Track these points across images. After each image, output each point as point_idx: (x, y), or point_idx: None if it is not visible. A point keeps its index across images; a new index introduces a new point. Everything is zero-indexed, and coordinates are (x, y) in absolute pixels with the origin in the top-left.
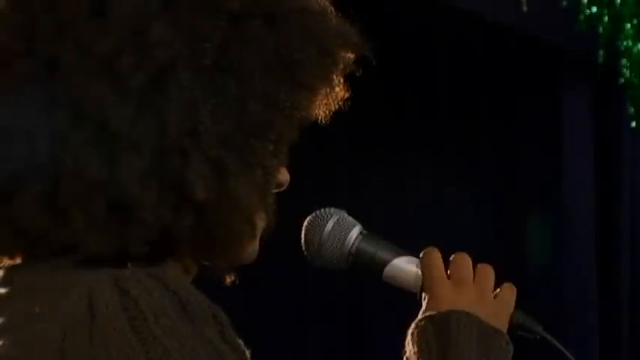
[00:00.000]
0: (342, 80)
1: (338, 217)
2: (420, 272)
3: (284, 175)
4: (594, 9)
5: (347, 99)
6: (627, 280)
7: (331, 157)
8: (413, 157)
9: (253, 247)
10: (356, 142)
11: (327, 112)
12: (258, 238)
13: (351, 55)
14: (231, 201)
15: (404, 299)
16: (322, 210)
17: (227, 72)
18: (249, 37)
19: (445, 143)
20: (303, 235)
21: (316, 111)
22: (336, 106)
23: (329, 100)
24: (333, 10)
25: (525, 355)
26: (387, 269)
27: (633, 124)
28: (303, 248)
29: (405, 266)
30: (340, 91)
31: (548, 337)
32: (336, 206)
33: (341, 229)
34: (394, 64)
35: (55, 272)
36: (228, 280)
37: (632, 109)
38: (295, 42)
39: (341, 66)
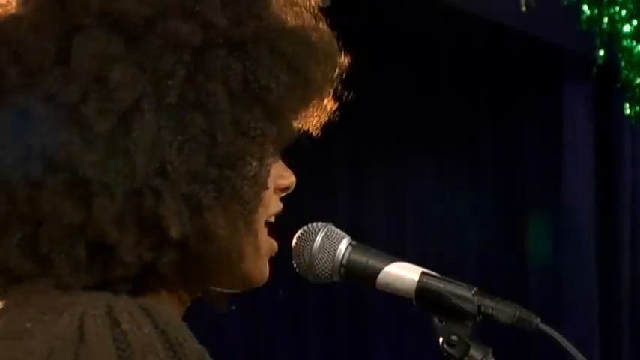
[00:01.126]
0: (329, 92)
1: (326, 230)
2: (413, 277)
3: (287, 180)
4: (594, 10)
5: (342, 106)
6: (627, 280)
7: (331, 157)
8: (413, 158)
9: (260, 269)
10: (356, 142)
11: (317, 124)
12: (262, 259)
13: (335, 68)
14: (209, 234)
15: (403, 302)
16: (309, 225)
17: (193, 107)
18: (214, 69)
19: (445, 143)
20: (293, 253)
21: (303, 125)
22: (326, 118)
23: (317, 112)
24: (315, 22)
25: (525, 347)
26: (381, 277)
27: (632, 123)
28: (295, 265)
29: (398, 272)
30: (328, 103)
31: (547, 329)
32: (336, 205)
33: (330, 242)
34: (395, 65)
35: (50, 290)
36: (223, 308)
37: (631, 109)
38: (263, 67)
39: (319, 82)
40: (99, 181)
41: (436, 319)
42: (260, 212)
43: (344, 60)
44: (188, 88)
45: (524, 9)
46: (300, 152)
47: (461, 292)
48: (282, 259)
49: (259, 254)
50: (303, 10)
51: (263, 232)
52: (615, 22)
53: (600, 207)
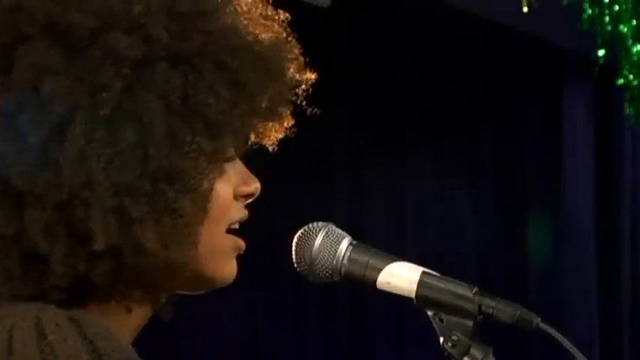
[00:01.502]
0: (283, 109)
1: (326, 230)
2: (414, 276)
3: (249, 187)
4: (596, 9)
5: (341, 106)
6: (627, 280)
7: (331, 157)
8: (413, 158)
9: (222, 270)
10: (356, 141)
11: (275, 139)
12: (222, 261)
13: (288, 86)
14: (140, 247)
15: (403, 302)
16: (310, 225)
17: (128, 120)
18: (153, 82)
19: (445, 143)
20: (293, 253)
21: (261, 140)
22: (285, 133)
23: (275, 127)
24: (281, 38)
25: (525, 347)
26: (381, 276)
27: (632, 123)
28: (295, 265)
29: (399, 271)
30: (285, 120)
31: (548, 328)
32: (336, 205)
33: (331, 242)
34: (395, 65)
35: None
36: (166, 316)
37: (631, 109)
38: (204, 82)
39: (266, 99)
40: (30, 191)
41: (437, 319)
42: (210, 223)
43: (307, 76)
44: (125, 101)
45: (525, 9)
46: (299, 153)
47: (461, 291)
48: (282, 260)
49: (218, 257)
50: (269, 25)
51: (221, 236)
52: (616, 22)
53: (600, 207)
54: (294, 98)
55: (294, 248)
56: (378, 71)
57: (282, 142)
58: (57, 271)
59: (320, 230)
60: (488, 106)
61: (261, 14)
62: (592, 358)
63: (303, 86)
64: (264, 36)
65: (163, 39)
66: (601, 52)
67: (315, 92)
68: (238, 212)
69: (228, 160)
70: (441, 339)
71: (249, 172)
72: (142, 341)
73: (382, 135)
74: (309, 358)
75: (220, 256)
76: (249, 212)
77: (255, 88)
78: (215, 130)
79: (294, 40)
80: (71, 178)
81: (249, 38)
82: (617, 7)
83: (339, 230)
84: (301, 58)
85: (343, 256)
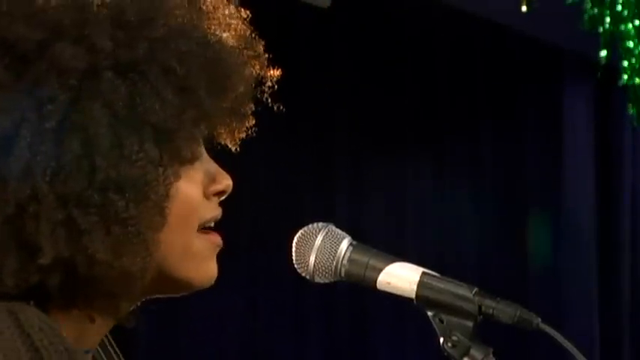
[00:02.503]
0: (241, 109)
1: (326, 230)
2: (414, 277)
3: (220, 184)
4: (596, 10)
5: (342, 106)
6: (627, 281)
7: (331, 157)
8: (413, 158)
9: (200, 272)
10: (355, 141)
11: (237, 139)
12: (199, 262)
13: (243, 86)
14: (91, 257)
15: (403, 302)
16: (310, 226)
17: (72, 132)
18: (98, 92)
19: (445, 144)
20: (293, 253)
21: (223, 140)
22: (246, 134)
23: (236, 127)
24: (244, 36)
25: (526, 348)
26: (381, 277)
27: (635, 124)
28: (295, 266)
29: (399, 272)
30: (247, 119)
31: (548, 329)
32: (336, 204)
33: (331, 243)
34: (394, 65)
35: None
36: (130, 324)
37: (632, 110)
38: (151, 88)
39: (218, 101)
40: None
41: (437, 320)
42: (179, 225)
43: (272, 73)
44: (71, 113)
45: (524, 8)
46: (299, 153)
47: (461, 292)
48: (282, 260)
49: (192, 259)
50: (232, 24)
51: (192, 237)
52: (617, 22)
53: (600, 207)
54: (258, 95)
55: (294, 249)
56: (378, 71)
57: (282, 143)
58: (8, 283)
59: (320, 231)
60: (488, 106)
61: (224, 13)
62: (592, 358)
63: (269, 83)
64: (225, 35)
65: (107, 48)
66: (603, 53)
67: (316, 92)
68: (210, 211)
69: (190, 161)
70: (441, 339)
71: (220, 169)
72: (142, 342)
73: (382, 135)
74: (309, 359)
75: (194, 257)
76: (252, 212)
77: (204, 92)
78: (164, 137)
79: (257, 37)
80: (17, 192)
81: (202, 40)
82: (618, 7)
83: (339, 231)
84: (264, 56)
85: (343, 257)
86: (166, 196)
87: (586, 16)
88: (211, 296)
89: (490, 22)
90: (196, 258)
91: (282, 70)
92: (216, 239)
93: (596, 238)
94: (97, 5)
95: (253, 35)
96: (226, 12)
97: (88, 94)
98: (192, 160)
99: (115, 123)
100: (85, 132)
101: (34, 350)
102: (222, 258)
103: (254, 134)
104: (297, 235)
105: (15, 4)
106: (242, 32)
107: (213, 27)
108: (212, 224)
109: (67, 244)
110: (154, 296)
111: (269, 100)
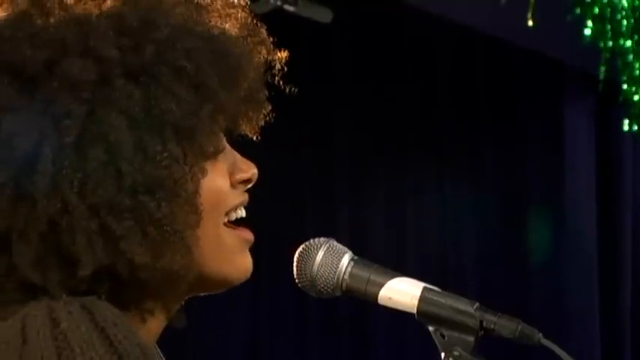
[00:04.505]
0: (257, 95)
1: (328, 245)
2: (415, 292)
3: (246, 173)
4: (598, 25)
5: (344, 116)
6: (629, 294)
7: (332, 167)
8: (414, 172)
9: (234, 267)
10: (358, 153)
11: (255, 128)
12: (232, 257)
13: (254, 73)
14: (131, 262)
15: (404, 316)
16: (311, 241)
17: (95, 141)
18: (113, 100)
19: (446, 157)
20: (294, 268)
21: (243, 130)
22: (265, 120)
23: (253, 116)
24: (247, 27)
25: None
26: (383, 292)
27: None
28: (297, 280)
29: (400, 287)
30: (262, 105)
31: (549, 344)
32: (337, 205)
33: (332, 258)
34: (397, 79)
35: None
36: (181, 323)
37: (634, 124)
38: (164, 89)
39: (233, 93)
40: (11, 228)
41: (438, 335)
42: (209, 219)
43: (279, 55)
44: (89, 124)
45: (530, 23)
46: (301, 162)
47: (462, 306)
48: (283, 272)
49: (225, 253)
50: (232, 13)
51: (223, 232)
52: (618, 37)
53: (602, 222)
54: (269, 79)
55: (295, 264)
56: (379, 84)
57: (285, 153)
58: (55, 295)
59: (321, 246)
60: (489, 120)
61: (223, 3)
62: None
63: (277, 65)
64: (228, 26)
65: (114, 56)
66: (603, 68)
67: (317, 104)
68: (237, 198)
69: (214, 155)
70: (443, 355)
71: (244, 159)
72: None
73: (383, 148)
74: None
75: (227, 252)
76: (254, 216)
77: (217, 86)
78: (185, 135)
79: (259, 23)
80: (47, 208)
81: (207, 35)
82: (618, 23)
83: (340, 246)
84: (269, 40)
85: (344, 272)
86: (196, 192)
87: (587, 31)
88: (213, 309)
89: (491, 37)
90: (228, 253)
91: (284, 82)
92: (247, 235)
93: (597, 253)
94: (97, 16)
95: (254, 21)
96: (224, 2)
97: (102, 103)
98: (215, 153)
99: (134, 127)
100: (106, 140)
101: (109, 344)
102: None
103: (272, 120)
104: (299, 251)
105: (16, 27)
106: (243, 20)
107: (214, 19)
108: (244, 213)
109: (106, 252)
110: (198, 294)
111: (281, 84)
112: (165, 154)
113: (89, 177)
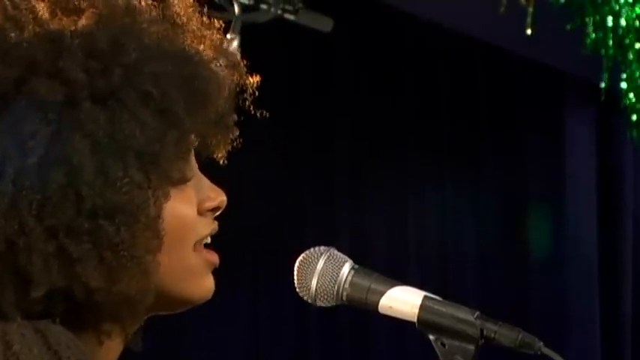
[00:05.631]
0: (224, 121)
1: (328, 254)
2: (416, 300)
3: (214, 201)
4: (600, 33)
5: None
6: (629, 303)
7: (332, 174)
8: (415, 182)
9: (198, 288)
10: (358, 160)
11: (224, 152)
12: (197, 279)
13: (223, 99)
14: (86, 285)
15: (405, 327)
16: (311, 250)
17: (55, 164)
18: (78, 123)
19: (447, 166)
20: (295, 277)
21: (210, 154)
22: (232, 145)
23: (220, 141)
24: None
25: None
26: (383, 300)
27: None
28: (297, 290)
29: (400, 295)
30: (230, 131)
31: (550, 353)
32: (337, 210)
33: (332, 267)
34: (397, 88)
35: None
36: (136, 347)
37: (634, 132)
38: (130, 114)
39: (200, 119)
40: None
41: (439, 344)
42: (176, 245)
43: (252, 80)
44: (53, 146)
45: (529, 32)
46: (301, 169)
47: (463, 315)
48: (283, 275)
49: (190, 277)
50: (207, 34)
51: (189, 255)
52: (620, 46)
53: (602, 230)
54: (240, 103)
55: (295, 273)
56: (379, 93)
57: (285, 159)
58: (9, 315)
59: (321, 255)
60: (490, 129)
61: (198, 24)
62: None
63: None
64: (202, 47)
65: (82, 79)
66: (606, 75)
67: (317, 111)
68: (206, 227)
69: (180, 181)
70: None
71: (213, 186)
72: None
73: (383, 156)
74: None
75: (193, 275)
76: (254, 223)
77: (183, 112)
78: (148, 160)
79: (234, 48)
80: (5, 228)
81: (177, 58)
82: (621, 31)
83: (340, 255)
84: (242, 64)
85: (345, 281)
86: (158, 217)
87: (588, 40)
88: (213, 315)
89: (492, 46)
90: (194, 275)
91: (285, 92)
92: (213, 258)
93: (598, 259)
94: (69, 36)
95: (227, 44)
96: (199, 23)
97: (68, 125)
98: (182, 180)
99: (97, 151)
100: (69, 163)
101: None
102: (223, 275)
103: (239, 146)
104: (299, 260)
105: None
106: (217, 42)
107: (188, 39)
108: (209, 240)
109: (61, 274)
110: (156, 313)
111: (252, 109)
112: (126, 180)
113: (48, 199)
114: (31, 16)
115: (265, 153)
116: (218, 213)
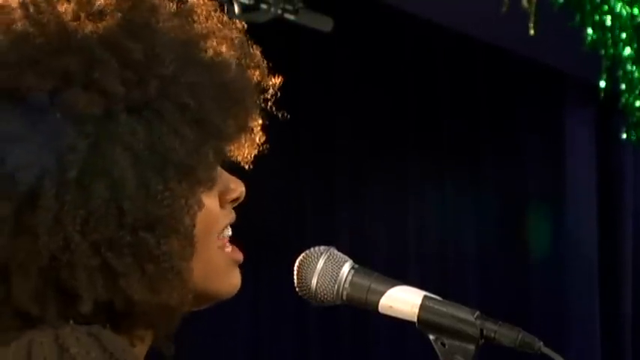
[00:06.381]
0: (253, 124)
1: (328, 254)
2: (416, 300)
3: (235, 192)
4: (599, 33)
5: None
6: (629, 303)
7: (333, 175)
8: (415, 182)
9: (223, 284)
10: (358, 161)
11: (249, 157)
12: (222, 276)
13: (253, 104)
14: (129, 298)
15: (405, 327)
16: (311, 249)
17: (96, 177)
18: (117, 135)
19: (446, 167)
20: (295, 277)
21: (237, 157)
22: (258, 150)
23: (249, 144)
24: (244, 52)
25: None
26: (383, 300)
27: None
28: (297, 289)
29: (400, 295)
30: (258, 134)
31: (550, 352)
32: (338, 210)
33: (332, 266)
34: (398, 88)
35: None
36: (168, 351)
37: (631, 134)
38: (167, 126)
39: (235, 126)
40: (11, 261)
41: (439, 343)
42: (201, 241)
43: (273, 81)
44: (92, 159)
45: (532, 32)
46: (302, 168)
47: (463, 315)
48: (284, 274)
49: (217, 273)
50: (228, 33)
51: (215, 256)
52: (617, 46)
53: (602, 231)
54: (262, 105)
55: (295, 273)
56: (380, 92)
57: (286, 158)
58: (55, 324)
59: (321, 254)
60: (489, 129)
61: (218, 21)
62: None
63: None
64: (224, 48)
65: (119, 90)
66: (603, 77)
67: (319, 109)
68: (226, 218)
69: (211, 186)
70: None
71: (232, 177)
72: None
73: (383, 156)
74: None
75: (219, 272)
76: (254, 223)
77: (220, 121)
78: (186, 172)
79: (253, 44)
80: (49, 244)
81: (209, 66)
82: (618, 31)
83: (340, 254)
84: (264, 64)
85: (345, 280)
86: (193, 225)
87: (587, 40)
88: (214, 315)
89: (492, 46)
90: (220, 272)
91: (285, 92)
92: (237, 255)
93: (598, 259)
94: (100, 47)
95: (249, 44)
96: (221, 24)
97: (106, 138)
98: (213, 185)
99: (137, 164)
100: (110, 176)
101: None
102: None
103: (266, 150)
104: (299, 259)
105: (18, 51)
106: (239, 44)
107: (212, 41)
108: (230, 231)
109: (105, 288)
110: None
111: (273, 110)
112: (167, 193)
113: (92, 214)
114: (55, 20)
115: (265, 153)
116: (237, 204)
